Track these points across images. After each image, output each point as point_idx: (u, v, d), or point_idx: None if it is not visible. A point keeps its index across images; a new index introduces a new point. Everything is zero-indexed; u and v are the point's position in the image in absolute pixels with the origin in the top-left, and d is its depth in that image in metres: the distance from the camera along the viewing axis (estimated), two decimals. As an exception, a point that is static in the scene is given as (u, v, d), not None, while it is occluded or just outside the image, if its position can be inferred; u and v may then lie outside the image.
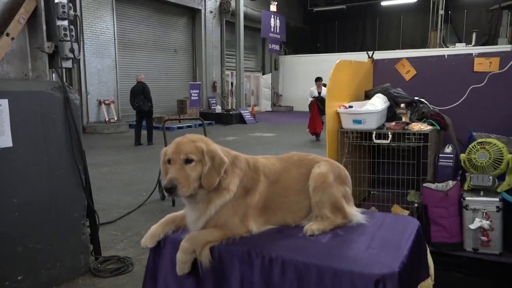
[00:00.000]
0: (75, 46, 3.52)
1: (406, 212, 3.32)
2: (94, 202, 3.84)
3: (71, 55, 3.49)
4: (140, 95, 11.42)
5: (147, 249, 2.00)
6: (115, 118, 15.82)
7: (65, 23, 3.47)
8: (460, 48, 21.90)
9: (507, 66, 3.66)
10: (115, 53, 16.27)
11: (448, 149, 3.45)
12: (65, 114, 3.40)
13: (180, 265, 1.76)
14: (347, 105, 3.61)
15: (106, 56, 15.88)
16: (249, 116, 19.12)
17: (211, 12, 21.28)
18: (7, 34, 3.14)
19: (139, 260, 3.88)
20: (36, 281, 3.24)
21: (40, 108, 3.24)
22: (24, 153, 3.13)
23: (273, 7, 22.78)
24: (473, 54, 3.89)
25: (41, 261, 3.27)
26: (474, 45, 22.87)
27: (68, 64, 3.57)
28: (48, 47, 3.39)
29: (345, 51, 24.14)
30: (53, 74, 3.63)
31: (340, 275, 1.54)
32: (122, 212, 5.37)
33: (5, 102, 2.96)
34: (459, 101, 3.88)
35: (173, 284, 1.83)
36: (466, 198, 2.97)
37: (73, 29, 3.50)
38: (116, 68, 16.31)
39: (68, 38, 3.45)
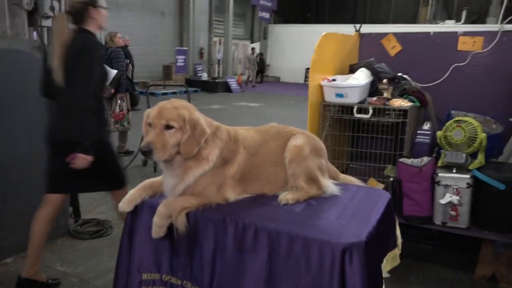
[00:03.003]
0: (56, 4, 3.41)
1: (381, 186, 3.42)
2: (74, 165, 3.83)
3: (51, 14, 3.39)
4: None
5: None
6: (99, 81, 15.48)
7: (45, -21, 3.35)
8: (449, 26, 21.76)
9: (489, 46, 3.69)
10: (100, 13, 15.71)
11: (426, 126, 3.52)
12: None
13: (156, 229, 1.80)
14: (330, 78, 3.62)
15: (90, 16, 15.32)
16: (235, 85, 18.97)
17: (200, -25, 20.63)
18: (-17, -12, 3.02)
19: (118, 224, 3.93)
20: (15, 240, 3.26)
21: (20, 67, 3.16)
22: (4, 111, 3.08)
23: (264, -27, 22.13)
24: (458, 33, 3.90)
25: (20, 221, 3.28)
26: (463, 23, 22.76)
27: (48, 23, 3.47)
28: (27, 3, 3.28)
29: (336, 23, 23.81)
30: (34, 33, 3.53)
31: (310, 243, 1.60)
32: (103, 176, 5.36)
33: (-19, 60, 2.88)
34: (441, 79, 3.92)
35: (148, 246, 1.87)
36: (439, 174, 3.06)
37: (54, -14, 3.39)
38: (100, 29, 15.80)
39: (48, -4, 3.34)
